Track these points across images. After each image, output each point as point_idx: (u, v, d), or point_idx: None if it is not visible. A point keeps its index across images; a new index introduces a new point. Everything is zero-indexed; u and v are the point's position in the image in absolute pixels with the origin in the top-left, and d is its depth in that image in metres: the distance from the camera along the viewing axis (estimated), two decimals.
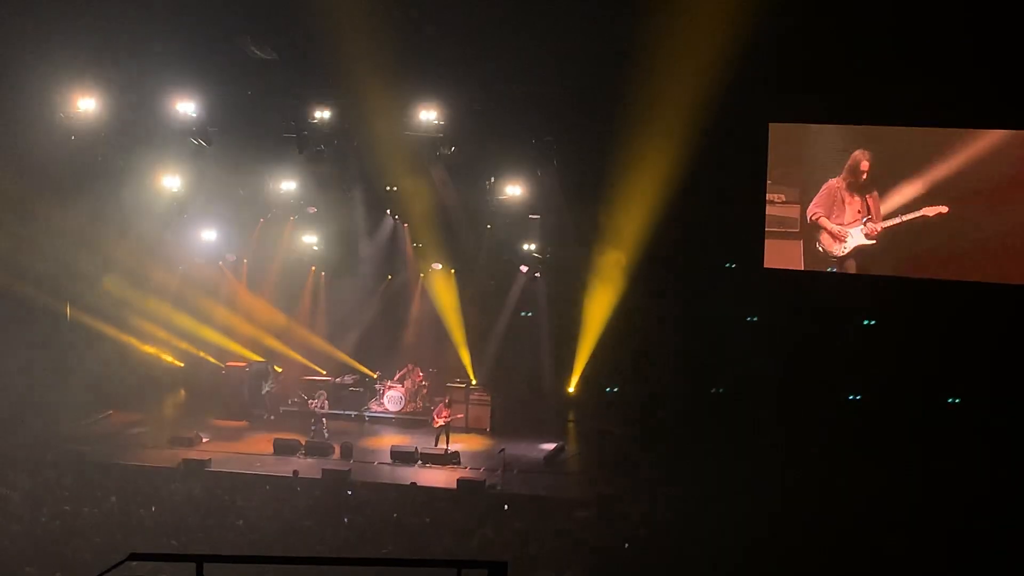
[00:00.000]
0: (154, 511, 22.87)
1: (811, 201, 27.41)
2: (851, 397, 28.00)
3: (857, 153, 26.87)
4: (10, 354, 29.00)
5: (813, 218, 27.29)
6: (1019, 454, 24.71)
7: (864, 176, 26.81)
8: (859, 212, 26.98)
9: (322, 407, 29.24)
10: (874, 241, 27.00)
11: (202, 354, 32.11)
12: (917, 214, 26.51)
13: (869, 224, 26.92)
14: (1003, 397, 25.63)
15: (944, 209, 26.24)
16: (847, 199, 27.06)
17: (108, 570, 11.04)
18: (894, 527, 22.04)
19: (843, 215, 27.10)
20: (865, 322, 27.91)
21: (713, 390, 28.97)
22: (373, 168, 29.31)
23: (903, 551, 20.94)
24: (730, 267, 28.66)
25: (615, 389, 29.95)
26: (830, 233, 27.20)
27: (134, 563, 11.31)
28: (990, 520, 22.25)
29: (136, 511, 22.83)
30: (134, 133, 28.56)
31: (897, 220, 26.77)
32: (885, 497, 23.37)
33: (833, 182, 27.18)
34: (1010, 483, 23.97)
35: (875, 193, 26.90)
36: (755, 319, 28.35)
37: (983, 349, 25.94)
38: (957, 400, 27.00)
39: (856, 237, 27.06)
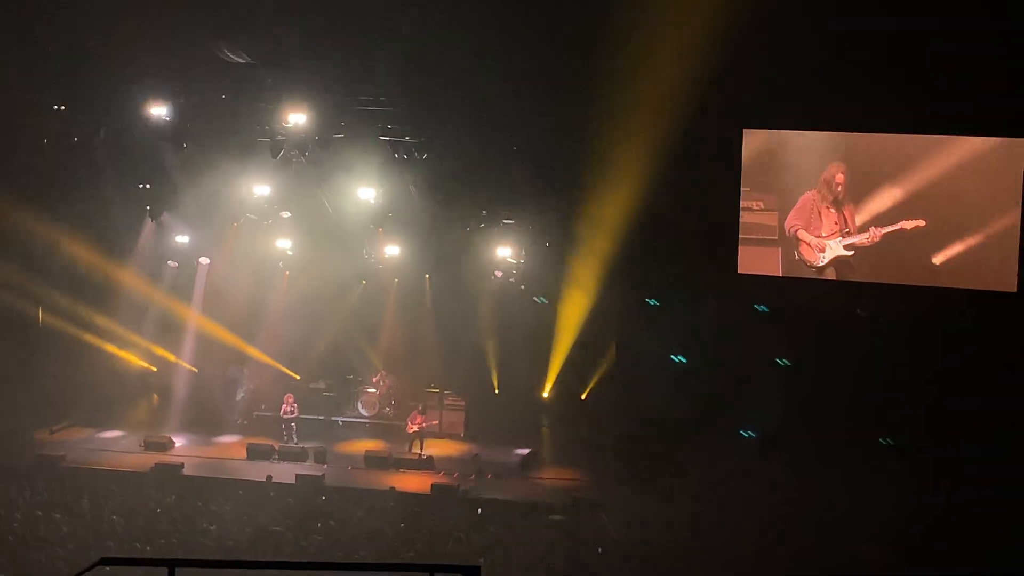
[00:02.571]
0: (126, 516, 22.76)
1: (789, 210, 27.45)
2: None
3: (832, 167, 26.91)
4: None
5: (791, 231, 27.35)
6: (997, 456, 24.82)
7: (840, 189, 26.87)
8: (836, 224, 27.05)
9: (292, 411, 29.09)
10: (852, 252, 27.08)
11: (175, 358, 31.96)
12: (895, 227, 26.59)
13: (847, 236, 27.01)
14: (986, 401, 25.67)
15: (922, 223, 26.32)
16: (823, 212, 27.12)
17: (79, 574, 10.97)
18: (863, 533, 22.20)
19: (820, 227, 27.17)
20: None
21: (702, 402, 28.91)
22: (348, 172, 29.22)
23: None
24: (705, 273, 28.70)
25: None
26: (808, 244, 27.26)
27: (106, 568, 11.25)
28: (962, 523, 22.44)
29: (108, 516, 22.72)
30: (107, 136, 28.39)
31: (875, 233, 26.83)
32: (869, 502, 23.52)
33: (809, 195, 27.23)
34: (984, 482, 24.14)
35: (851, 205, 26.97)
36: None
37: (964, 355, 26.01)
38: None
39: (834, 248, 27.13)
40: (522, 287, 30.25)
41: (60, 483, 24.93)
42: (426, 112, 27.72)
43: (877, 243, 26.74)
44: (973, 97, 24.76)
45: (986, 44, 24.12)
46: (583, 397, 30.03)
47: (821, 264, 27.33)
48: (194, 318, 31.97)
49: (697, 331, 28.17)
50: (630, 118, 26.73)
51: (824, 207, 27.12)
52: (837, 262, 27.22)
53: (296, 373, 32.14)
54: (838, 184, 26.88)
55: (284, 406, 29.24)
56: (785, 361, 27.85)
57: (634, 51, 25.77)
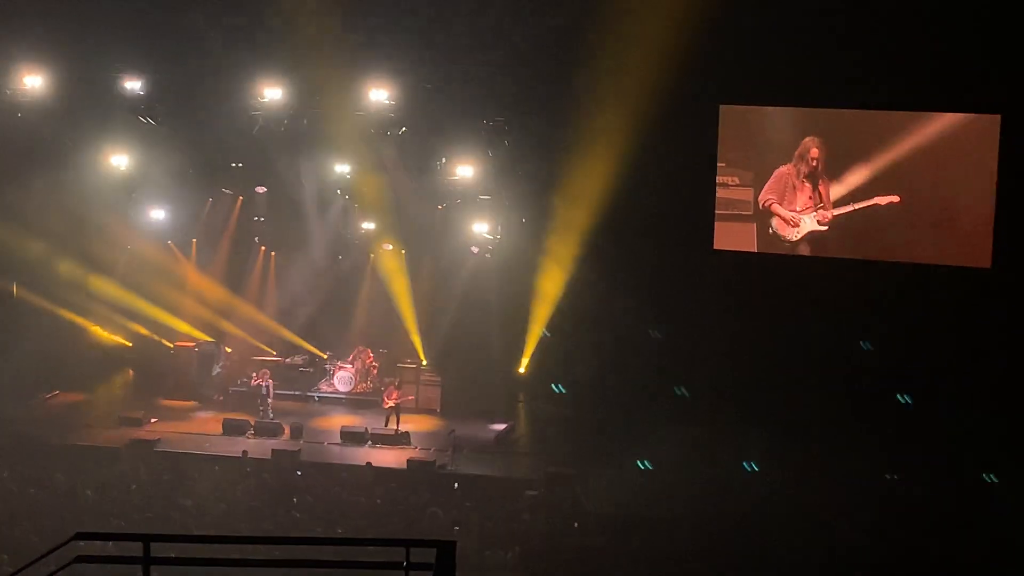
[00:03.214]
0: (101, 491, 22.72)
1: (763, 186, 27.50)
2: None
3: (807, 140, 26.96)
4: None
5: (765, 204, 27.39)
6: (970, 436, 24.96)
7: (815, 163, 26.93)
8: (810, 199, 27.11)
9: (265, 384, 28.97)
10: (826, 227, 27.14)
11: (150, 334, 31.83)
12: (869, 203, 26.66)
13: (821, 211, 27.07)
14: (958, 379, 25.79)
15: (896, 199, 26.41)
16: (798, 186, 27.18)
17: (53, 550, 10.95)
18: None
19: (795, 201, 27.23)
20: None
21: (678, 389, 28.93)
22: (324, 148, 29.16)
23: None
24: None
25: (561, 389, 29.92)
26: (783, 219, 27.32)
27: (80, 543, 11.24)
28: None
29: (83, 491, 22.69)
30: (82, 111, 28.24)
31: (849, 208, 26.91)
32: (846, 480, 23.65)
33: (783, 169, 27.28)
34: (963, 462, 24.30)
35: (826, 180, 27.03)
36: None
37: (938, 330, 26.10)
38: (907, 397, 27.11)
39: (808, 223, 27.19)
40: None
41: (34, 458, 24.86)
42: (403, 87, 27.67)
43: (851, 219, 26.81)
44: (948, 73, 24.86)
45: (960, 21, 24.23)
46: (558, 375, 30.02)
47: (795, 239, 27.39)
48: (169, 293, 31.81)
49: (673, 307, 28.17)
50: (607, 94, 26.74)
51: (799, 181, 27.17)
52: (811, 237, 27.30)
53: (272, 349, 32.07)
54: (813, 158, 26.93)
55: (259, 379, 29.07)
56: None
57: (611, 28, 25.80)
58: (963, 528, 21.26)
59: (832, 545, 20.75)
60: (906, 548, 20.54)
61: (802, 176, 27.10)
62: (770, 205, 27.41)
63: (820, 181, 27.07)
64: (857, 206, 26.77)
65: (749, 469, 24.98)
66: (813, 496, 22.89)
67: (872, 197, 26.61)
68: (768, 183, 27.38)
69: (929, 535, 20.95)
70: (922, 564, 20.00)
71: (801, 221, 27.20)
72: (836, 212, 26.97)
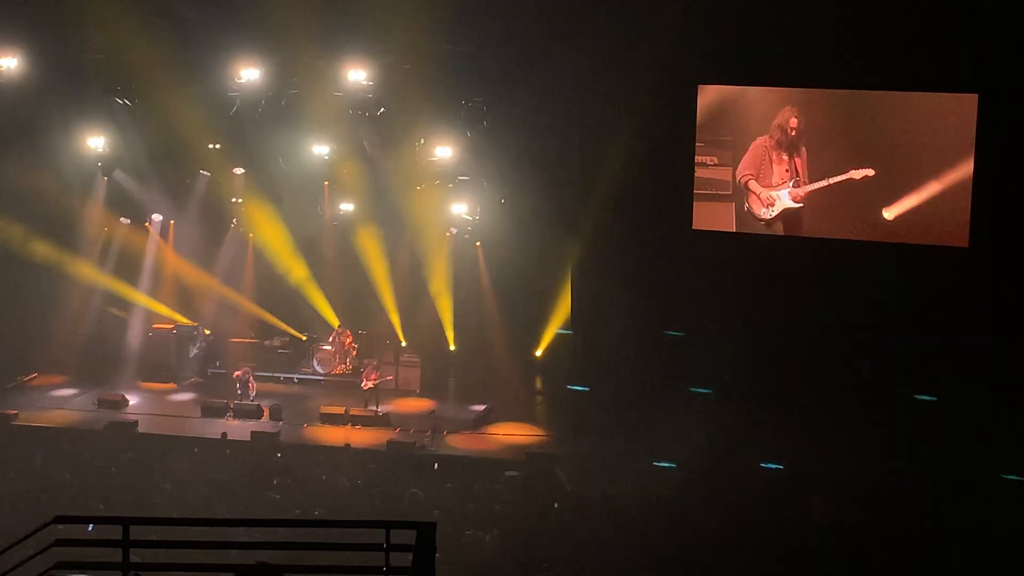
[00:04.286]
0: (80, 474, 22.66)
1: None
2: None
3: (786, 110, 26.92)
4: None
5: (742, 180, 27.39)
6: (949, 416, 25.07)
7: (793, 133, 26.89)
8: (787, 172, 27.10)
9: (245, 380, 28.82)
10: (801, 204, 27.16)
11: (127, 316, 31.69)
12: (843, 177, 26.68)
13: (796, 186, 27.08)
14: (936, 357, 25.86)
15: (871, 172, 26.42)
16: (775, 158, 27.15)
17: (32, 533, 10.93)
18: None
19: (771, 175, 27.21)
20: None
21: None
22: (302, 129, 29.08)
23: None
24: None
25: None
26: (758, 197, 27.32)
27: (60, 526, 11.21)
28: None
29: (61, 474, 22.63)
30: (57, 92, 28.06)
31: (823, 183, 26.92)
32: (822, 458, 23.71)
33: (761, 140, 27.24)
34: (942, 442, 24.39)
35: (803, 153, 27.03)
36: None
37: (915, 310, 26.15)
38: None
39: (783, 200, 27.21)
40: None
41: (12, 441, 24.78)
42: (381, 67, 27.61)
43: (826, 196, 26.82)
44: (926, 52, 24.86)
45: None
46: (538, 353, 30.01)
47: (770, 217, 27.40)
48: (147, 275, 31.71)
49: (652, 287, 28.17)
50: (585, 72, 26.72)
51: (776, 154, 27.13)
52: (786, 215, 27.29)
53: (251, 331, 32.01)
54: (792, 128, 26.89)
55: (239, 373, 28.95)
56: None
57: (589, 8, 25.76)
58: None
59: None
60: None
61: (780, 147, 27.04)
62: (747, 182, 27.39)
63: (797, 154, 27.04)
64: (832, 180, 26.78)
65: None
66: (802, 475, 23.01)
67: (847, 171, 26.62)
68: (745, 157, 27.33)
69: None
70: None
71: (776, 199, 27.20)
72: (811, 188, 26.95)
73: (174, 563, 11.22)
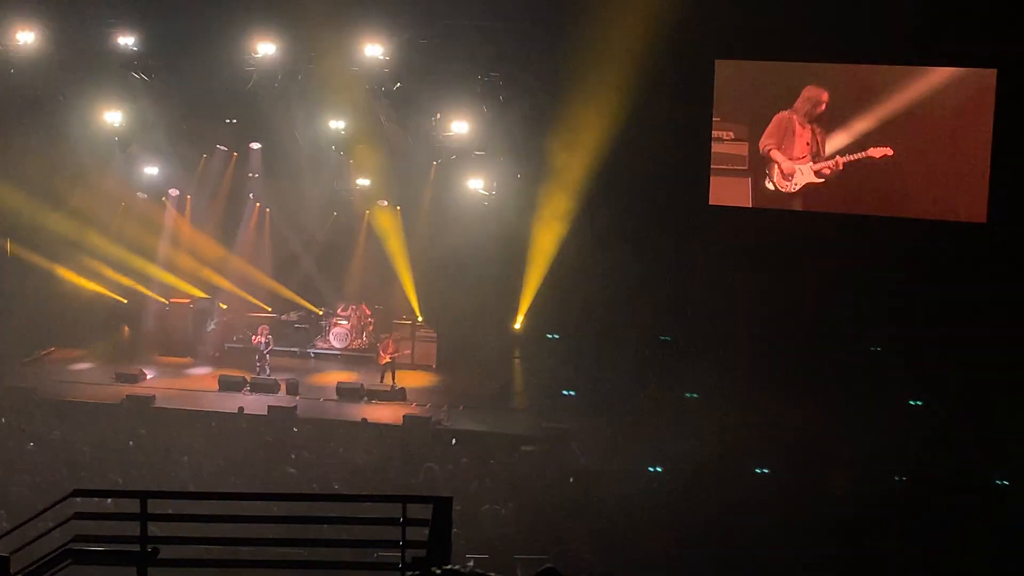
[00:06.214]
0: (98, 448, 22.76)
1: (759, 141, 27.41)
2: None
3: (813, 87, 26.84)
4: None
5: (765, 150, 27.32)
6: (958, 390, 25.00)
7: (822, 108, 26.81)
8: (808, 145, 27.05)
9: (266, 342, 28.99)
10: (822, 180, 27.11)
11: (146, 290, 31.80)
12: (863, 154, 26.63)
13: (817, 160, 27.01)
14: (956, 332, 25.76)
15: (889, 151, 26.37)
16: (798, 131, 27.10)
17: (52, 506, 11.03)
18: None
19: (793, 148, 27.15)
20: None
21: (664, 338, 28.98)
22: (318, 104, 29.05)
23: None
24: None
25: (555, 336, 29.97)
26: (780, 169, 27.24)
27: (78, 499, 11.29)
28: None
29: (80, 448, 22.73)
30: (75, 66, 28.09)
31: (843, 159, 26.86)
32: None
33: (783, 114, 27.18)
34: (946, 420, 24.32)
35: (823, 129, 26.97)
36: None
37: (934, 286, 26.08)
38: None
39: (805, 174, 27.14)
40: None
41: (31, 415, 24.90)
42: (397, 42, 27.54)
43: (846, 172, 26.76)
44: (944, 27, 24.75)
45: None
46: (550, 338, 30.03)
47: (792, 191, 27.34)
48: (164, 249, 31.79)
49: (670, 263, 28.15)
50: (603, 48, 26.63)
51: (799, 127, 27.06)
52: (807, 191, 27.24)
53: (267, 305, 32.09)
54: (822, 101, 26.78)
55: (259, 337, 29.10)
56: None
57: None
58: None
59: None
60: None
61: (804, 122, 26.97)
62: (769, 151, 27.33)
63: (818, 129, 26.98)
64: (851, 157, 26.72)
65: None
66: (821, 449, 22.97)
67: (866, 149, 26.55)
68: (768, 128, 27.29)
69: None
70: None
71: (797, 172, 27.13)
72: (830, 163, 26.87)
73: (191, 537, 11.28)
